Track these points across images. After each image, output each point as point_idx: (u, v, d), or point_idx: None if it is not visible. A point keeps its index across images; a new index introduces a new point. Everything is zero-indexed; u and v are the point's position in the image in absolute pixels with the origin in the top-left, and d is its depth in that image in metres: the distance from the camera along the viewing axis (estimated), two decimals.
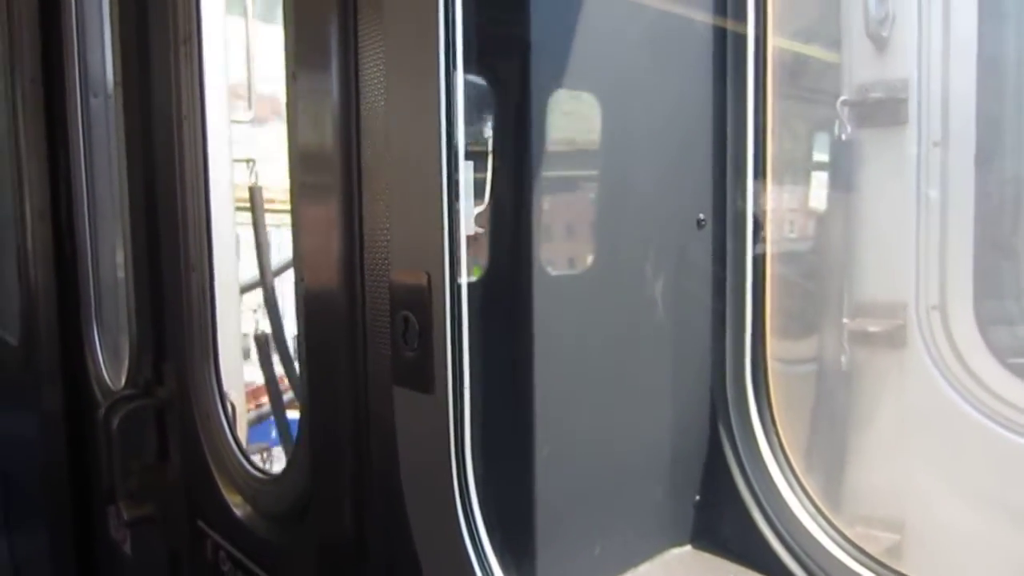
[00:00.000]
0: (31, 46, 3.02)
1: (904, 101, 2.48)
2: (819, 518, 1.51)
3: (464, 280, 0.99)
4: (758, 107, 1.53)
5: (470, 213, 1.00)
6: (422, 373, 1.02)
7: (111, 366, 2.98)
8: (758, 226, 1.54)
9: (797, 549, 1.50)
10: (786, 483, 1.56)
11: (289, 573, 1.66)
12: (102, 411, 2.26)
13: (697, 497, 1.59)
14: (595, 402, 1.37)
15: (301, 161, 1.30)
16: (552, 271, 1.23)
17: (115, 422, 2.16)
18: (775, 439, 1.59)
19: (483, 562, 0.99)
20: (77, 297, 3.07)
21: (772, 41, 1.57)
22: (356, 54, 1.13)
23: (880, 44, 2.53)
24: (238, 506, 1.91)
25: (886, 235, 2.47)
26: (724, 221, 1.53)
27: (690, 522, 1.58)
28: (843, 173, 2.57)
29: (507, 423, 1.17)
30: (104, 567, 3.05)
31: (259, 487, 1.83)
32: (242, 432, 2.33)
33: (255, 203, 3.84)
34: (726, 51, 1.53)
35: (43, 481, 3.26)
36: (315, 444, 1.34)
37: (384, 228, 1.11)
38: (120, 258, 3.03)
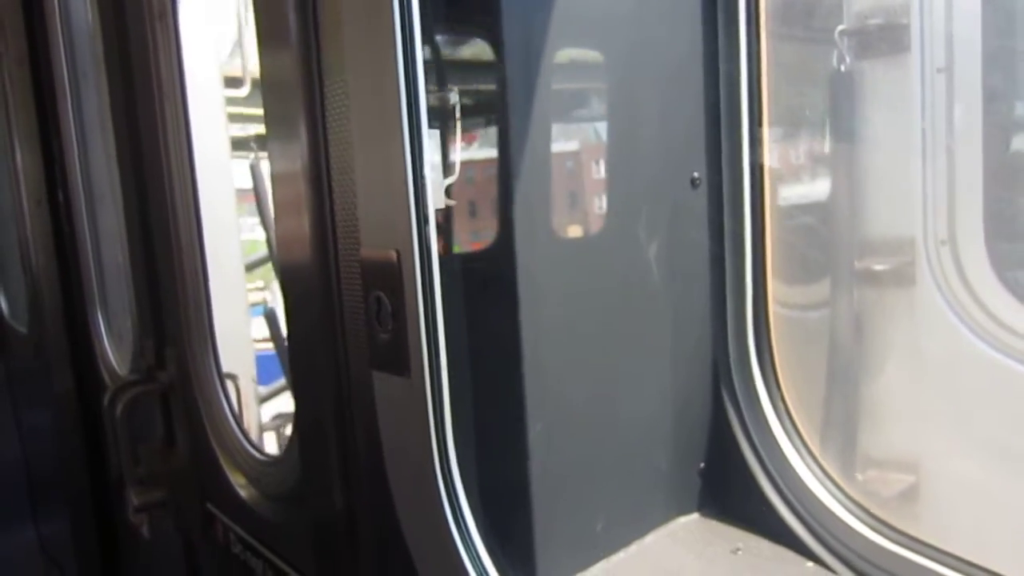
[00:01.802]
0: (15, 27, 2.97)
1: (905, 26, 2.35)
2: (827, 482, 1.46)
3: (435, 256, 0.94)
4: (751, 50, 1.44)
5: (439, 185, 0.94)
6: (397, 356, 0.97)
7: (118, 350, 2.98)
8: (756, 177, 1.46)
9: (805, 515, 1.45)
10: (792, 446, 1.51)
11: (292, 552, 1.66)
12: (107, 397, 2.26)
13: (702, 464, 1.55)
14: (591, 371, 1.33)
15: (272, 140, 1.25)
16: (535, 238, 1.17)
17: (119, 408, 2.15)
18: (779, 400, 1.54)
19: (467, 541, 0.96)
20: (80, 283, 3.06)
21: None
22: (316, 29, 1.07)
23: None
24: (243, 488, 1.90)
25: (890, 168, 2.36)
26: (720, 175, 1.45)
27: (696, 490, 1.54)
28: (844, 107, 2.45)
29: (496, 399, 1.12)
30: (124, 548, 3.09)
31: (262, 469, 1.82)
32: (250, 412, 2.31)
33: (256, 178, 3.80)
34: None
35: (62, 466, 3.30)
36: (303, 428, 1.31)
37: (352, 205, 1.06)
38: (119, 242, 3.01)
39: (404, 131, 0.90)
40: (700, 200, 1.45)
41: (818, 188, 2.42)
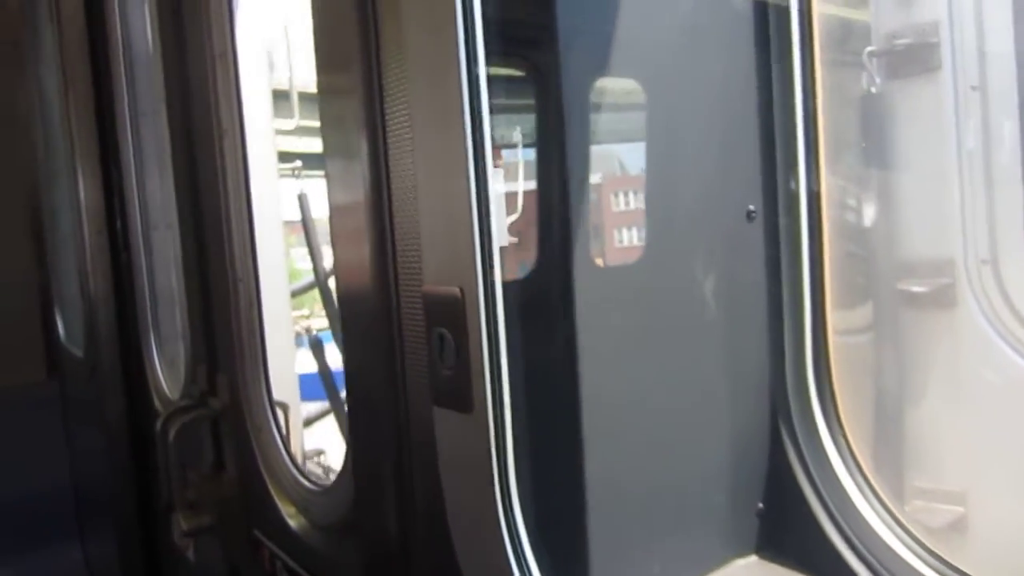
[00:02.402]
0: (81, 66, 3.10)
1: (936, 45, 2.31)
2: (890, 521, 1.41)
3: (499, 294, 0.94)
4: (805, 79, 1.43)
5: (502, 224, 0.95)
6: (460, 393, 0.97)
7: (169, 375, 3.04)
8: (813, 208, 1.44)
9: (867, 555, 1.41)
10: (853, 484, 1.47)
11: None
12: (159, 422, 2.30)
13: (760, 504, 1.52)
14: (649, 406, 1.31)
15: (332, 174, 1.27)
16: (595, 271, 1.17)
17: (172, 433, 2.19)
18: (840, 436, 1.50)
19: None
20: (135, 309, 3.14)
21: (817, 9, 1.47)
22: (379, 66, 1.09)
23: None
24: (292, 517, 1.91)
25: (926, 188, 2.30)
26: (776, 207, 1.44)
27: (754, 531, 1.51)
28: (876, 129, 2.40)
29: (554, 436, 1.12)
30: (169, 572, 3.13)
31: (311, 498, 1.83)
32: (296, 441, 2.33)
33: (304, 209, 3.88)
34: (768, 27, 1.44)
35: (110, 489, 3.36)
36: (358, 459, 1.32)
37: (414, 241, 1.07)
38: (173, 270, 3.09)
39: (470, 168, 0.91)
40: (756, 232, 1.44)
41: (859, 213, 2.38)
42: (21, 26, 4.14)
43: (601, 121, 1.21)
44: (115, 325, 3.16)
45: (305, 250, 4.25)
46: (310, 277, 4.61)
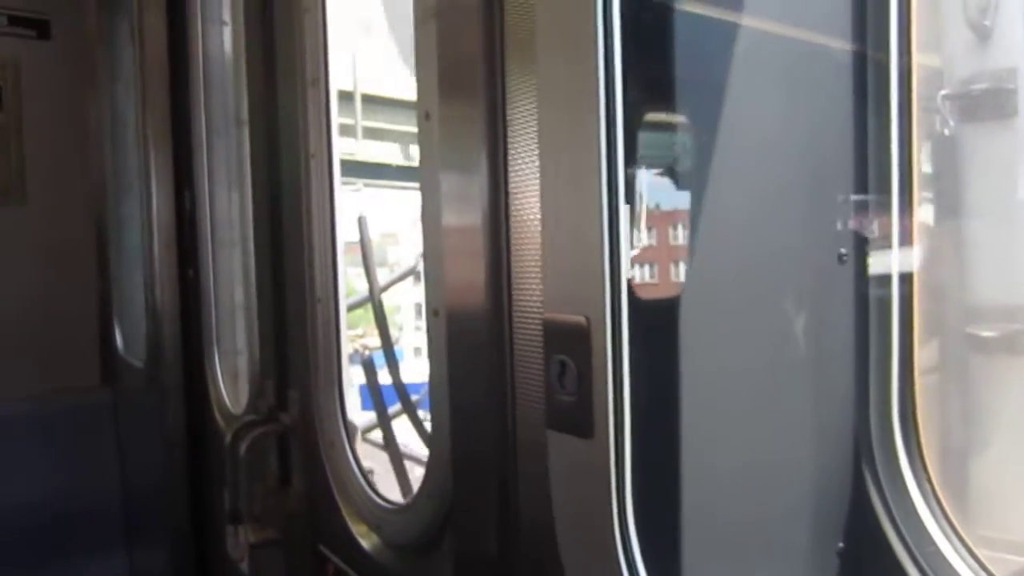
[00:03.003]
0: (160, 87, 3.23)
1: (1013, 91, 2.33)
2: (978, 570, 1.41)
3: (626, 324, 0.97)
4: (902, 128, 1.46)
5: (629, 255, 0.99)
6: (581, 418, 1.00)
7: (230, 389, 3.11)
8: (903, 251, 1.47)
9: None
10: (938, 528, 1.47)
11: None
12: (229, 436, 2.35)
13: (840, 544, 1.52)
14: (741, 440, 1.33)
15: (448, 185, 1.32)
16: (695, 308, 1.20)
17: (243, 447, 2.24)
18: (925, 481, 1.50)
19: None
20: (198, 322, 3.22)
21: (916, 58, 1.50)
22: (503, 85, 1.14)
23: (983, 34, 2.39)
24: (362, 534, 1.94)
25: (1000, 233, 2.30)
26: (866, 249, 1.46)
27: (835, 570, 1.51)
28: (949, 173, 2.41)
29: (659, 465, 1.14)
30: None
31: (384, 515, 1.86)
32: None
33: (363, 231, 3.97)
34: (866, 76, 1.48)
35: (165, 500, 3.42)
36: (458, 478, 1.34)
37: (534, 267, 1.11)
38: (236, 286, 3.17)
39: (603, 198, 0.95)
40: (846, 274, 1.46)
41: (935, 256, 2.37)
42: (97, 45, 4.32)
43: (703, 164, 1.25)
44: (179, 338, 3.25)
45: (357, 269, 4.35)
46: (358, 295, 4.70)
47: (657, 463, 1.13)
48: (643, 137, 1.02)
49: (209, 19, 3.17)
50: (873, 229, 1.46)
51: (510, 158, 1.15)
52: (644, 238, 1.05)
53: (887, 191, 1.45)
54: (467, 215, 1.25)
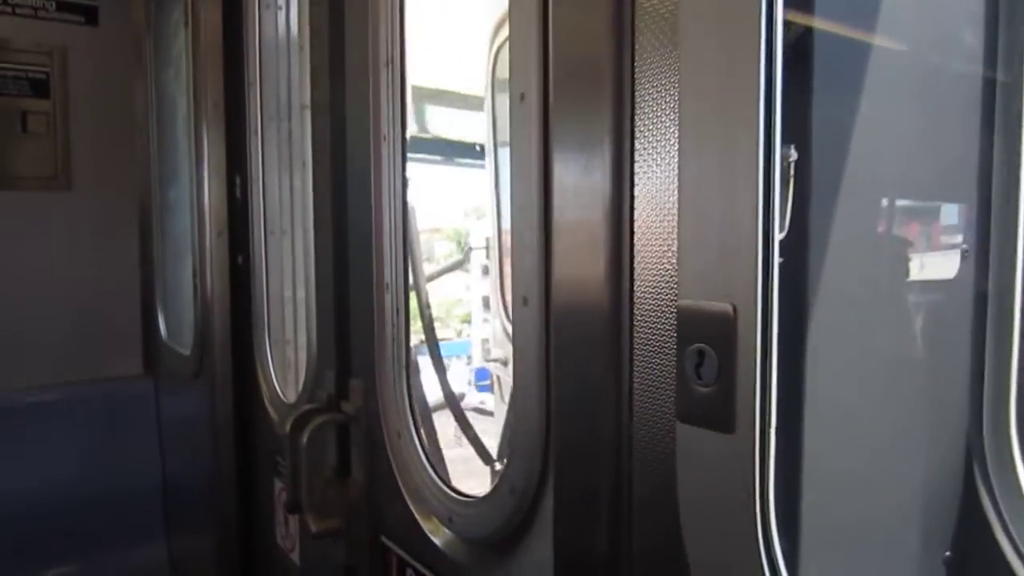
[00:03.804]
0: (215, 74, 3.21)
1: None
2: None
3: (775, 313, 0.91)
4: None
5: (778, 241, 0.93)
6: (721, 411, 0.95)
7: (279, 378, 3.08)
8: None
9: None
10: None
11: None
12: (288, 424, 2.32)
13: (948, 553, 1.45)
14: (857, 441, 1.27)
15: (532, 182, 1.27)
16: (829, 299, 1.14)
17: (304, 436, 2.21)
18: None
19: None
20: (247, 310, 3.20)
21: None
22: (633, 68, 1.08)
23: None
24: (430, 527, 1.90)
25: None
26: (988, 247, 1.39)
27: None
28: None
29: (787, 463, 1.08)
30: (266, 572, 3.14)
31: (456, 508, 1.81)
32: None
33: (412, 220, 3.96)
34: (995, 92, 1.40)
35: (209, 489, 3.41)
36: (562, 472, 1.29)
37: (662, 254, 1.05)
38: (287, 275, 3.14)
39: (759, 183, 0.89)
40: (967, 268, 1.39)
41: None
42: (145, 31, 4.32)
43: (842, 168, 1.19)
44: (229, 326, 3.22)
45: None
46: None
47: (788, 460, 1.06)
48: (794, 119, 0.96)
49: (264, 4, 3.14)
50: (995, 227, 1.39)
51: (637, 138, 1.09)
52: (788, 225, 0.99)
53: (1015, 194, 1.38)
54: (578, 199, 1.19)
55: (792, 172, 0.98)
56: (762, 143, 0.88)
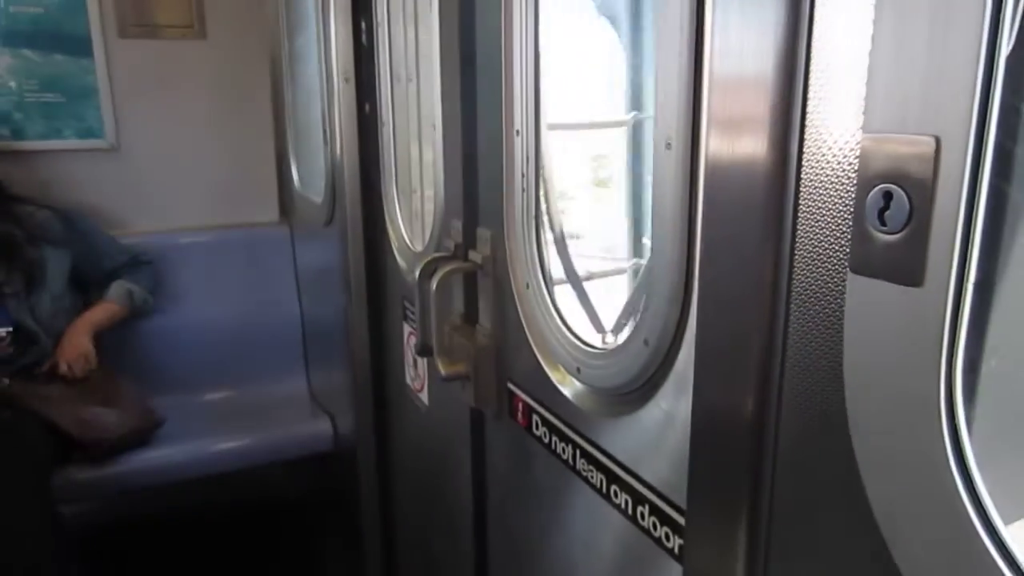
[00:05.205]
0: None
1: None
2: None
3: (991, 152, 0.77)
4: None
5: (1004, 56, 0.77)
6: (908, 262, 0.84)
7: (406, 226, 3.14)
8: None
9: None
10: None
11: (622, 448, 1.64)
12: (417, 271, 2.37)
13: None
14: None
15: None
16: None
17: (433, 283, 2.24)
18: None
19: (976, 500, 0.83)
20: (375, 158, 3.23)
21: None
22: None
23: None
24: (557, 377, 1.92)
25: None
26: None
27: None
28: None
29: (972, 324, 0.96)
30: (397, 408, 3.36)
31: (584, 358, 1.81)
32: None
33: None
34: None
35: (343, 331, 3.61)
36: (705, 321, 1.23)
37: (848, 78, 0.91)
38: (413, 123, 3.11)
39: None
40: None
41: None
42: None
43: None
44: (358, 173, 3.28)
45: None
46: None
47: (974, 320, 0.95)
48: None
49: None
50: None
51: None
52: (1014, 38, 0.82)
53: None
54: (742, 14, 1.05)
55: None
56: None
